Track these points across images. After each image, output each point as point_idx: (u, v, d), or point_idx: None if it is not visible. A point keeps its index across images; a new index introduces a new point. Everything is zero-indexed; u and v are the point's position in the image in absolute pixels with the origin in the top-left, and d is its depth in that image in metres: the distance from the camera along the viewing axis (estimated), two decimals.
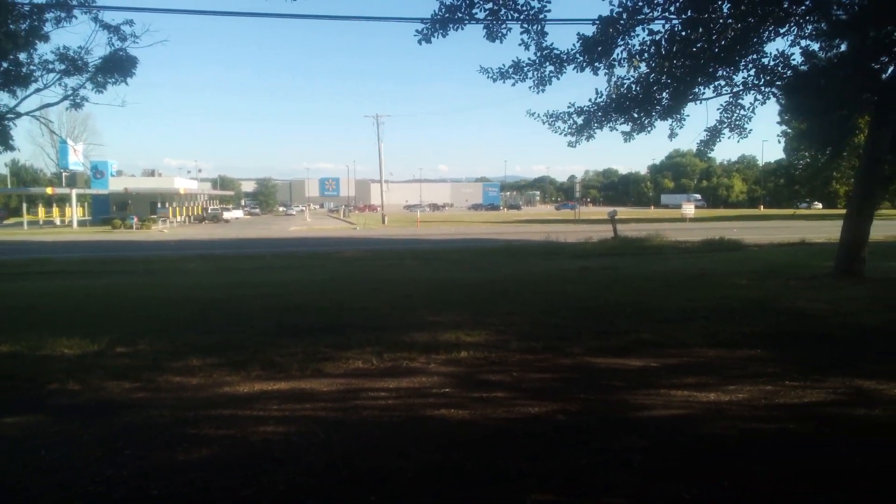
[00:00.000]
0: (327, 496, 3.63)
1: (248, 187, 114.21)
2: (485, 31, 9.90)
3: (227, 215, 68.31)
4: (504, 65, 10.71)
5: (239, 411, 5.09)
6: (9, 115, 11.54)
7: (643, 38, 10.52)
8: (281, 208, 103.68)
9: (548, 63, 10.50)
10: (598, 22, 10.08)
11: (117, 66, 11.62)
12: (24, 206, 59.74)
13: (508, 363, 6.52)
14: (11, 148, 11.59)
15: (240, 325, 8.47)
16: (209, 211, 71.59)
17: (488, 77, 10.84)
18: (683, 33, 10.31)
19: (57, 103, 12.52)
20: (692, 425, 4.71)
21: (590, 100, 11.48)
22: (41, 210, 62.75)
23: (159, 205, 62.19)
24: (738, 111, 12.28)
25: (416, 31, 9.23)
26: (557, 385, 5.79)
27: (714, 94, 11.89)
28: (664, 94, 11.33)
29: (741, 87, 11.89)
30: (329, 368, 6.30)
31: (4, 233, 47.62)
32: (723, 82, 11.76)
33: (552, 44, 10.47)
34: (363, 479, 3.81)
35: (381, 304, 10.25)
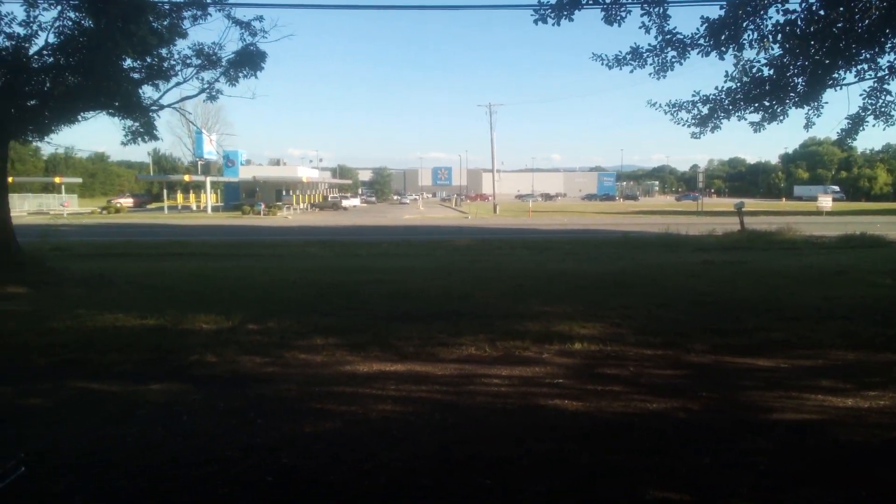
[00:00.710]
0: (442, 476, 3.72)
1: (365, 176, 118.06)
2: (603, 14, 9.58)
3: (345, 203, 71.03)
4: (621, 51, 10.31)
5: (359, 389, 5.31)
6: (153, 108, 12.54)
7: (776, 19, 9.79)
8: (395, 197, 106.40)
9: (670, 48, 10.00)
10: (725, 4, 9.49)
11: (248, 60, 12.30)
12: (165, 192, 65.05)
13: (625, 357, 6.36)
14: (155, 137, 12.64)
15: (357, 309, 8.82)
16: (329, 199, 74.74)
17: (603, 64, 10.46)
18: (822, 13, 9.50)
19: (195, 96, 13.45)
20: (826, 431, 4.39)
21: (716, 87, 10.84)
22: (179, 196, 68.06)
23: (284, 192, 65.70)
24: (883, 97, 11.19)
25: (534, 9, 9.01)
26: (678, 382, 5.58)
27: (856, 79, 10.88)
28: (799, 80, 10.50)
29: (887, 72, 10.81)
30: (443, 353, 6.42)
31: (148, 216, 52.09)
32: (866, 66, 10.74)
33: (675, 28, 9.98)
34: (477, 463, 3.87)
35: (493, 294, 10.29)
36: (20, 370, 5.93)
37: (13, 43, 11.37)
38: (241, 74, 12.45)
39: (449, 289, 10.77)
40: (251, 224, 42.01)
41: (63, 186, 64.36)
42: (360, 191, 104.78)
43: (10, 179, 14.65)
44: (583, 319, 7.89)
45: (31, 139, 13.25)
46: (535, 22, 9.03)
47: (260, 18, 12.48)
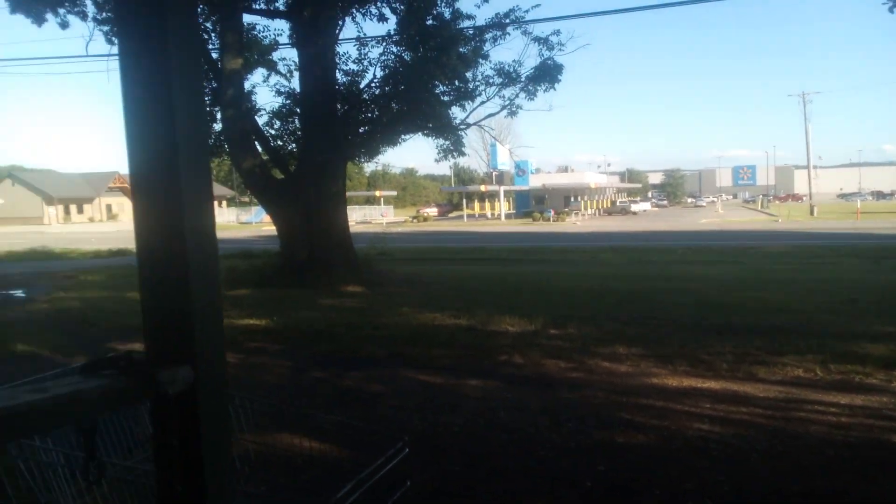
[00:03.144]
0: None
1: (655, 179, 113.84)
2: None
3: (634, 207, 69.33)
4: None
5: (670, 404, 5.09)
6: (461, 126, 13.72)
7: None
8: (689, 199, 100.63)
9: None
10: None
11: (546, 75, 12.76)
12: (464, 201, 70.63)
13: None
14: (463, 153, 13.86)
15: (658, 319, 8.49)
16: (617, 203, 73.71)
17: None
18: None
19: (497, 113, 14.35)
20: None
21: None
22: (476, 205, 73.34)
23: (572, 198, 66.63)
24: None
25: None
26: None
27: None
28: None
29: None
30: (762, 373, 5.83)
31: (450, 224, 57.09)
32: None
33: None
34: (820, 496, 3.43)
35: (818, 308, 9.06)
36: (365, 358, 6.92)
37: (349, 79, 13.44)
38: (539, 88, 12.94)
39: (763, 300, 9.79)
40: (541, 230, 43.38)
41: (382, 199, 73.87)
42: (650, 194, 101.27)
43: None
44: None
45: (362, 160, 15.47)
46: (891, 10, 7.68)
47: (557, 32, 12.86)
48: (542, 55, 13.06)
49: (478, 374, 6.14)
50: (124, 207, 77.37)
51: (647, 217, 59.80)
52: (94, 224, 67.38)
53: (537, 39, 13.03)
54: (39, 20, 11.81)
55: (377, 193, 75.21)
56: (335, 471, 3.98)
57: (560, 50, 13.01)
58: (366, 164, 17.73)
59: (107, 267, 18.90)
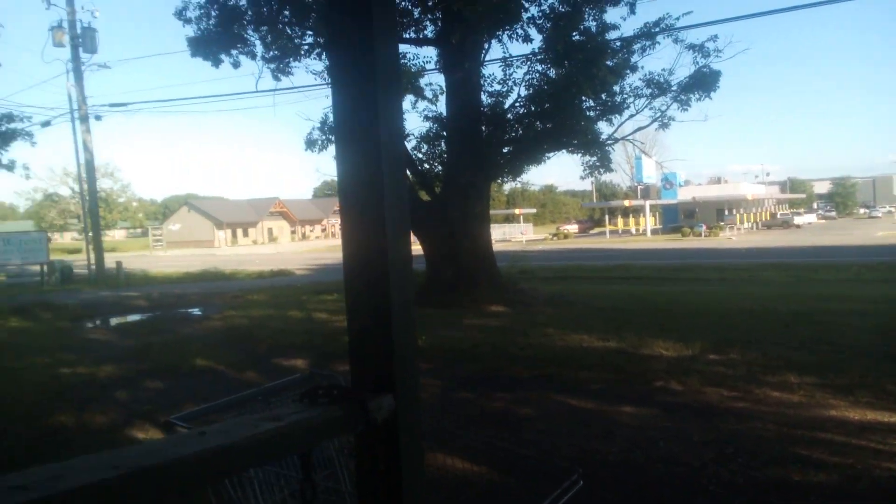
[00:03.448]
0: None
1: (822, 188, 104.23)
2: None
3: (797, 220, 63.84)
4: None
5: (852, 440, 4.61)
6: (608, 141, 13.39)
7: None
8: (862, 210, 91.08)
9: None
10: None
11: (701, 83, 12.15)
12: (606, 217, 68.91)
13: None
14: (610, 169, 13.52)
15: (833, 344, 7.73)
16: (778, 216, 68.34)
17: None
18: None
19: (647, 126, 13.84)
20: None
21: None
22: (620, 220, 71.25)
23: (726, 212, 62.73)
24: None
25: None
26: None
27: None
28: None
29: None
30: None
31: (591, 241, 55.79)
32: None
33: None
34: None
35: None
36: (511, 379, 6.93)
37: (493, 100, 13.66)
38: (692, 98, 12.37)
39: None
40: (692, 246, 41.17)
41: (521, 217, 73.93)
42: (815, 205, 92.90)
43: None
44: None
45: (506, 180, 15.60)
46: None
47: (713, 38, 12.25)
48: (697, 63, 12.48)
49: (631, 399, 5.93)
50: (283, 230, 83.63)
51: (812, 230, 54.85)
52: (256, 246, 73.34)
53: (692, 47, 12.49)
54: (216, 62, 13.17)
55: (516, 211, 75.39)
56: (491, 495, 4.01)
57: (717, 56, 12.38)
58: (505, 183, 17.80)
59: (269, 287, 20.45)
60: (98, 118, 26.95)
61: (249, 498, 1.88)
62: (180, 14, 12.96)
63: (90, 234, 28.30)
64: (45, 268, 24.84)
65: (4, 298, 18.43)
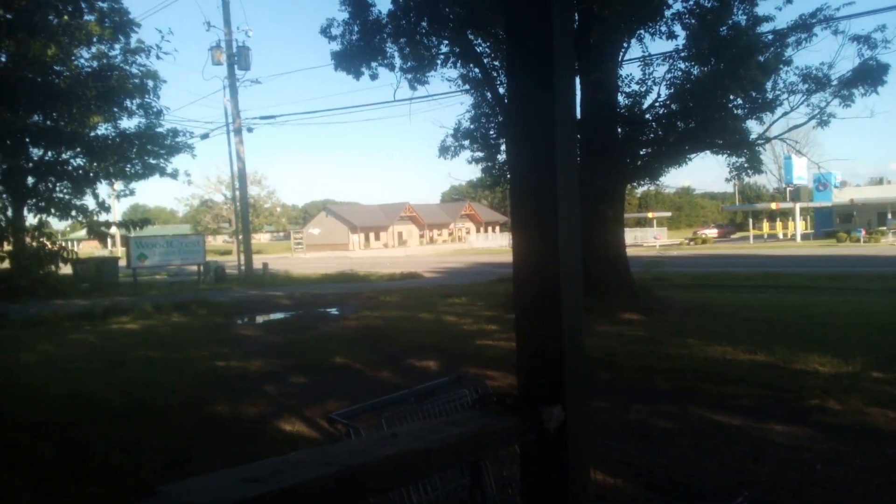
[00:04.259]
0: None
1: None
2: None
3: None
4: None
5: None
6: (758, 141, 12.54)
7: None
8: None
9: None
10: None
11: (866, 76, 11.07)
12: (750, 221, 64.46)
13: None
14: (760, 171, 12.69)
15: None
16: None
17: None
18: None
19: (804, 123, 12.76)
20: None
21: None
22: (765, 224, 66.42)
23: (889, 215, 56.65)
24: None
25: None
26: None
27: None
28: None
29: None
30: None
31: (733, 247, 52.47)
32: None
33: None
34: None
35: None
36: (648, 391, 6.68)
37: (631, 100, 13.25)
38: (856, 92, 11.32)
39: None
40: (849, 253, 37.63)
41: (654, 220, 71.05)
42: None
43: None
44: None
45: (644, 184, 15.07)
46: None
47: (882, 28, 11.16)
48: (862, 55, 11.39)
49: (783, 418, 5.52)
50: (412, 234, 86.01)
51: None
52: (387, 249, 75.98)
53: (856, 38, 11.45)
54: (357, 74, 13.86)
55: (649, 215, 72.61)
56: None
57: (885, 47, 11.25)
58: (641, 186, 17.16)
59: (400, 289, 21.10)
60: (250, 130, 29.24)
61: (411, 494, 1.95)
62: (325, 31, 13.75)
63: (240, 237, 30.66)
64: (202, 268, 27.21)
65: (168, 295, 20.45)
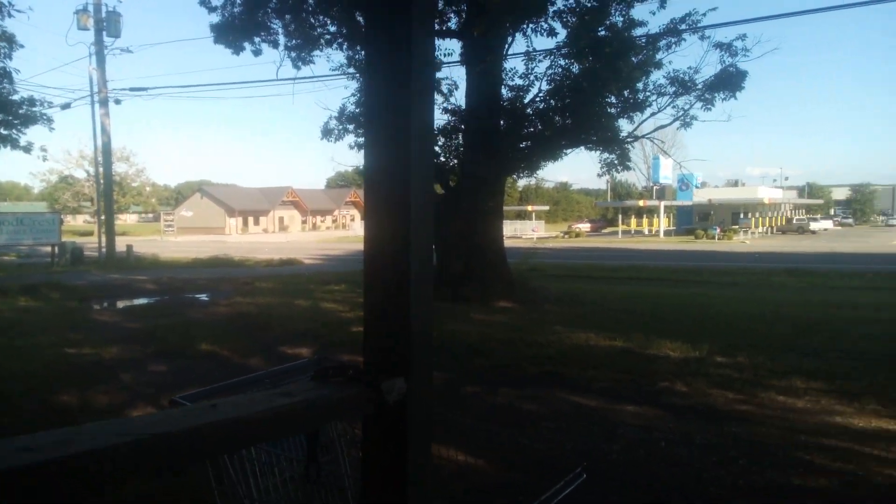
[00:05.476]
0: None
1: (840, 194, 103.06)
2: None
3: (813, 226, 63.26)
4: None
5: (855, 446, 4.61)
6: (628, 139, 13.31)
7: None
8: (880, 218, 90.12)
9: None
10: None
11: (726, 82, 11.99)
12: (619, 217, 68.54)
13: None
14: (628, 168, 13.46)
15: (843, 351, 7.72)
16: (794, 221, 67.74)
17: None
18: None
19: (670, 124, 13.60)
20: None
21: None
22: (633, 221, 70.87)
23: (741, 215, 62.21)
24: None
25: None
26: None
27: None
28: None
29: None
30: None
31: (603, 241, 55.53)
32: None
33: None
34: None
35: None
36: (517, 375, 6.95)
37: (514, 94, 13.62)
38: (717, 97, 12.24)
39: None
40: (705, 249, 40.92)
41: (533, 214, 73.72)
42: (832, 211, 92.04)
43: None
44: None
45: (522, 176, 15.56)
46: None
47: (742, 37, 12.10)
48: (724, 61, 12.29)
49: (636, 400, 5.94)
50: (294, 219, 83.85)
51: (827, 237, 54.37)
52: (267, 235, 73.66)
53: (719, 45, 12.31)
54: (238, 49, 13.24)
55: (529, 208, 75.19)
56: (486, 487, 4.04)
57: (745, 56, 12.21)
58: (521, 178, 17.70)
59: (278, 275, 20.55)
60: (118, 102, 27.10)
61: (249, 478, 1.90)
62: (205, 2, 13.02)
63: (103, 217, 28.53)
64: (57, 249, 25.07)
65: (14, 277, 18.64)
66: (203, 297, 15.11)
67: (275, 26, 13.51)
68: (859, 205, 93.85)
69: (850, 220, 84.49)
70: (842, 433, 4.92)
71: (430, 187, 1.21)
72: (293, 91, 49.44)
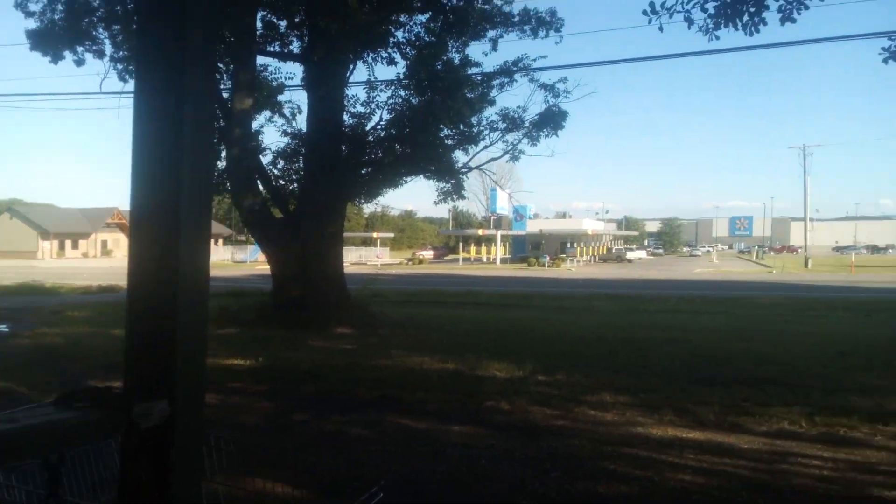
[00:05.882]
0: None
1: (653, 227, 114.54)
2: None
3: (630, 255, 69.62)
4: None
5: (654, 454, 5.09)
6: (463, 170, 13.92)
7: None
8: (685, 249, 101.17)
9: None
10: None
11: (550, 121, 13.01)
12: (461, 245, 70.88)
13: None
14: (463, 197, 14.07)
15: (649, 368, 8.51)
16: (613, 251, 74.07)
17: None
18: None
19: (500, 157, 14.49)
20: None
21: None
22: (472, 248, 73.60)
23: (568, 244, 66.93)
24: None
25: (883, 48, 7.70)
26: None
27: None
28: None
29: None
30: (749, 424, 5.84)
31: (445, 267, 57.09)
32: None
33: None
34: None
35: (807, 360, 9.11)
36: (350, 401, 6.89)
37: (355, 121, 13.72)
38: (542, 134, 13.18)
39: (753, 352, 9.83)
40: (536, 276, 43.42)
41: (379, 240, 74.04)
42: (646, 242, 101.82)
43: None
44: None
45: (363, 202, 15.62)
46: (885, 61, 7.72)
47: (564, 80, 13.17)
48: (548, 101, 13.29)
49: (462, 420, 6.12)
50: (119, 243, 77.28)
51: (641, 265, 59.98)
52: (87, 259, 67.33)
53: (544, 86, 13.30)
54: (57, 58, 12.12)
55: (374, 235, 75.38)
56: None
57: (566, 97, 13.28)
58: (365, 205, 17.83)
59: (96, 303, 18.83)
60: None
61: None
62: (21, 5, 11.84)
63: None
64: None
65: None
66: (2, 328, 13.41)
67: (101, 36, 12.58)
68: (668, 237, 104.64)
69: (661, 251, 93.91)
70: (643, 442, 5.41)
71: (205, 221, 1.19)
72: (119, 105, 45.89)
